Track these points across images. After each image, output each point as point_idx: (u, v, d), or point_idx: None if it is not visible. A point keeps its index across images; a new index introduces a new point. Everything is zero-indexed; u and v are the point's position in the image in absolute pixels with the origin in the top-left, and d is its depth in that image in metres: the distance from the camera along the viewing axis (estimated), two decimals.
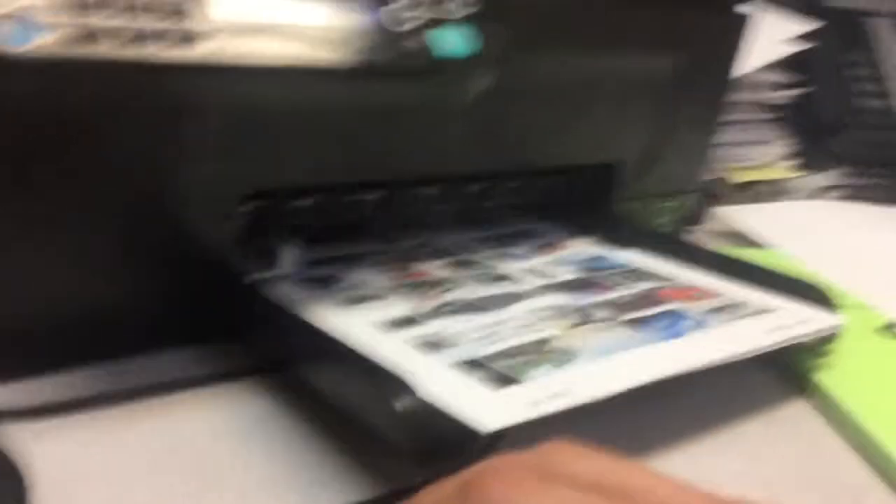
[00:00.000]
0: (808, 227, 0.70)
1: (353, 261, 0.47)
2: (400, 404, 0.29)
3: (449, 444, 0.29)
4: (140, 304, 0.38)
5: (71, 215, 0.35)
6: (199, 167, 0.37)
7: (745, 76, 0.72)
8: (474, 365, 0.34)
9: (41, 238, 0.34)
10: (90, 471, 0.31)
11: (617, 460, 0.21)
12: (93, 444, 0.32)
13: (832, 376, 0.42)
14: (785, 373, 0.44)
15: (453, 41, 0.38)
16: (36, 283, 0.35)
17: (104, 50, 0.31)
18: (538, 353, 0.36)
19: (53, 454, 0.31)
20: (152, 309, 0.38)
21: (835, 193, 0.83)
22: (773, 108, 0.81)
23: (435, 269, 0.47)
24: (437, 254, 0.49)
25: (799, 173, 0.81)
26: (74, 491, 0.29)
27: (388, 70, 0.37)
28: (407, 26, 0.37)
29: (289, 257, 0.43)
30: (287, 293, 0.40)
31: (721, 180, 0.76)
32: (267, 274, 0.42)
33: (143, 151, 0.35)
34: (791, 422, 0.40)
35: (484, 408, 0.30)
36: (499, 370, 0.34)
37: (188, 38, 0.33)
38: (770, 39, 0.77)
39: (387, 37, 0.36)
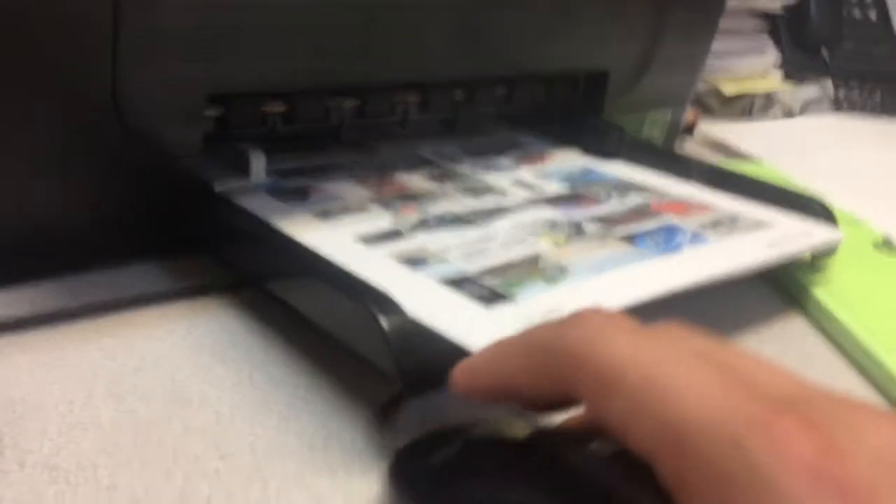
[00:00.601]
0: (798, 141, 0.68)
1: (328, 172, 0.44)
2: (387, 323, 0.27)
3: (438, 365, 0.27)
4: (103, 215, 0.35)
5: (25, 122, 0.31)
6: (162, 65, 0.33)
7: None
8: (463, 281, 0.32)
9: None
10: (49, 391, 0.28)
11: (725, 343, 0.20)
12: (52, 363, 0.30)
13: (829, 291, 0.41)
14: (780, 287, 0.43)
15: None
16: None
17: None
18: (530, 269, 0.34)
19: (9, 374, 0.29)
20: (116, 220, 0.35)
21: (826, 105, 0.81)
22: (766, 17, 0.78)
23: (416, 180, 0.44)
24: (418, 165, 0.47)
25: (790, 85, 0.79)
26: (31, 413, 0.27)
27: None
28: None
29: (260, 165, 0.40)
30: (260, 204, 0.37)
31: (713, 91, 0.73)
32: (238, 183, 0.39)
33: (101, 50, 0.32)
34: (787, 337, 0.39)
35: (475, 325, 0.28)
36: (490, 286, 0.31)
37: None
38: None
39: None
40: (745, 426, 0.17)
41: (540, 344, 0.22)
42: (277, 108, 0.40)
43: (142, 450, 0.26)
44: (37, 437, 0.26)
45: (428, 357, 0.27)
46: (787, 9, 0.81)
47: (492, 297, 0.31)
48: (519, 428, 0.24)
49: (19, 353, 0.30)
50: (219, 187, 0.37)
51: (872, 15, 0.89)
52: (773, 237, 0.39)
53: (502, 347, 0.23)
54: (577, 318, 0.21)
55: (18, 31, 0.30)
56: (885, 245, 0.47)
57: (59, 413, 0.27)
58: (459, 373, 0.24)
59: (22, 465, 0.25)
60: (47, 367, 0.30)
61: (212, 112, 0.37)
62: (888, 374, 0.35)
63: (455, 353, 0.27)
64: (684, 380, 0.18)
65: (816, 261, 0.43)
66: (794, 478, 0.16)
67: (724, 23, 0.63)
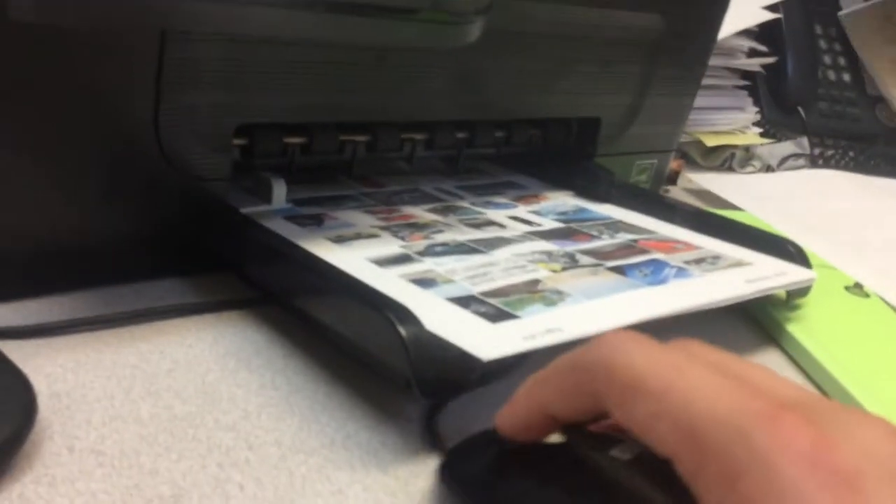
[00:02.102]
0: (776, 192, 0.72)
1: (340, 202, 0.47)
2: (406, 332, 0.29)
3: (451, 373, 0.30)
4: (139, 233, 0.38)
5: (75, 145, 0.34)
6: (199, 94, 0.36)
7: (720, 41, 0.73)
8: (470, 300, 0.35)
9: (41, 168, 0.34)
10: (91, 387, 0.31)
11: (733, 356, 0.23)
12: (92, 363, 0.32)
13: (803, 328, 0.44)
14: (757, 324, 0.46)
15: None
16: (36, 212, 0.35)
17: None
18: (530, 292, 0.37)
19: (52, 371, 0.31)
20: (150, 237, 0.38)
21: (802, 161, 0.85)
22: (745, 75, 0.83)
23: (421, 212, 0.47)
24: (423, 199, 0.50)
25: (768, 140, 0.83)
26: (76, 406, 0.30)
27: (389, 8, 0.37)
28: None
29: (281, 192, 0.43)
30: (282, 227, 0.40)
31: (696, 143, 0.77)
32: (258, 208, 0.42)
33: (146, 79, 0.35)
34: None
35: (483, 338, 0.31)
36: (494, 305, 0.34)
37: None
38: (744, 6, 0.79)
39: None
40: (751, 419, 0.19)
41: (570, 364, 0.24)
42: (297, 139, 0.43)
43: (179, 441, 0.29)
44: (83, 426, 0.29)
45: (442, 365, 0.30)
46: (766, 68, 0.85)
47: (497, 314, 0.34)
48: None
49: (62, 354, 0.33)
50: (244, 210, 0.40)
51: (846, 76, 0.94)
52: (752, 274, 0.42)
53: (535, 378, 0.26)
54: (602, 339, 0.24)
55: (71, 60, 0.33)
56: (857, 288, 0.51)
57: (102, 407, 0.30)
58: (501, 418, 0.27)
59: (71, 450, 0.27)
60: (88, 366, 0.32)
61: (239, 141, 0.40)
62: (856, 405, 0.38)
63: (466, 362, 0.30)
64: (698, 384, 0.21)
65: (791, 299, 0.46)
66: (792, 463, 0.18)
67: (706, 80, 0.68)
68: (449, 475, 0.28)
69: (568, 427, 0.26)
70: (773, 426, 0.19)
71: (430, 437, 0.31)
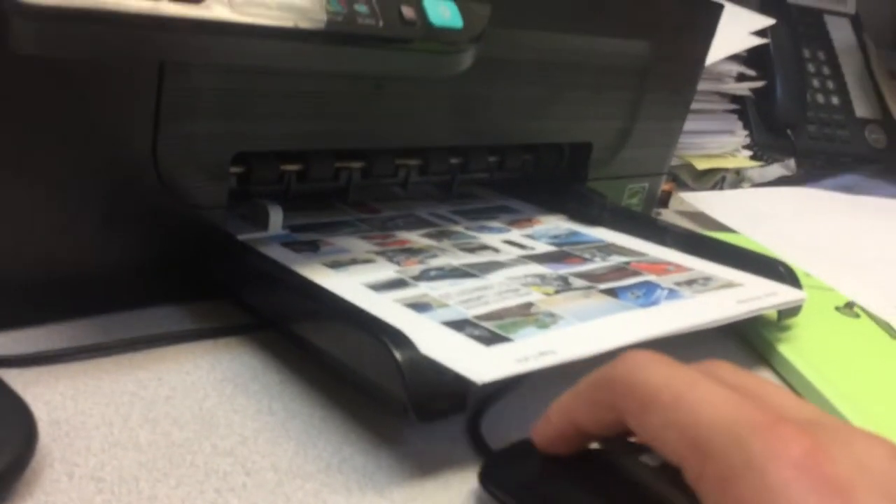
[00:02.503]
0: (767, 212, 0.73)
1: (335, 228, 0.48)
2: (401, 356, 0.30)
3: (446, 397, 0.30)
4: (136, 260, 0.38)
5: (75, 173, 0.35)
6: (196, 123, 0.37)
7: (708, 66, 0.74)
8: (464, 324, 0.35)
9: (41, 196, 0.35)
10: (90, 414, 0.31)
11: (762, 379, 0.25)
12: (91, 391, 0.33)
13: (794, 349, 0.45)
14: (749, 344, 0.47)
15: (448, 13, 0.39)
16: (36, 240, 0.35)
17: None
18: (524, 315, 0.37)
19: (52, 398, 0.32)
20: (147, 265, 0.38)
21: (792, 183, 0.86)
22: (735, 99, 0.84)
23: (416, 237, 0.48)
24: (418, 224, 0.51)
25: (758, 163, 0.84)
26: (75, 433, 0.30)
27: (383, 38, 0.38)
28: None
29: (278, 219, 0.43)
30: (278, 253, 0.41)
31: (687, 166, 0.78)
32: (255, 234, 0.43)
33: (145, 108, 0.35)
34: None
35: (477, 361, 0.32)
36: (488, 328, 0.35)
37: None
38: (732, 31, 0.80)
39: (384, 4, 0.37)
40: (749, 428, 0.21)
41: (594, 381, 0.26)
42: (293, 166, 0.44)
43: (177, 467, 0.29)
44: (82, 453, 0.29)
45: (436, 388, 0.30)
46: (755, 92, 0.87)
47: (490, 337, 0.34)
48: None
49: (62, 382, 0.33)
50: (241, 237, 0.41)
51: (834, 99, 0.96)
52: (743, 295, 0.43)
53: (566, 395, 0.28)
54: (624, 357, 0.25)
55: (71, 90, 0.34)
56: (847, 308, 0.51)
57: (101, 434, 0.30)
58: (536, 431, 0.28)
59: (70, 476, 0.28)
60: (86, 394, 0.32)
61: (236, 169, 0.41)
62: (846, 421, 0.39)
63: (459, 384, 0.30)
64: (705, 397, 0.22)
65: (782, 319, 0.46)
66: (785, 469, 0.19)
67: (696, 104, 0.69)
68: (488, 480, 0.29)
69: (603, 437, 0.28)
70: (770, 435, 0.20)
71: (472, 443, 0.32)
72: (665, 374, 0.24)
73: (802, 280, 0.46)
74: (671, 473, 0.22)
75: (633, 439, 0.27)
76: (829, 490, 0.19)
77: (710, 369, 0.25)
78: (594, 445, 0.28)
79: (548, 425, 0.28)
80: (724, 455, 0.21)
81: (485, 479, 0.29)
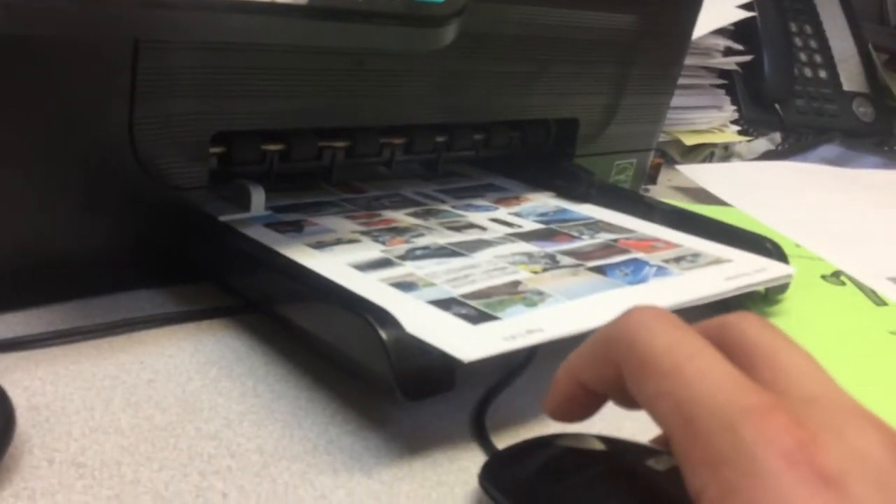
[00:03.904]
0: (756, 185, 0.73)
1: (319, 208, 0.47)
2: (386, 335, 0.29)
3: (433, 375, 0.30)
4: (116, 243, 0.37)
5: (49, 155, 0.34)
6: (173, 102, 0.36)
7: (695, 41, 0.74)
8: (450, 302, 0.35)
9: (16, 180, 0.34)
10: (70, 399, 0.31)
11: (779, 340, 0.24)
12: (71, 375, 0.32)
13: (783, 322, 0.44)
14: None
15: None
16: (12, 224, 0.35)
17: None
18: (511, 293, 0.37)
19: (31, 384, 0.31)
20: (127, 248, 0.38)
21: (776, 157, 0.86)
22: (722, 73, 0.84)
23: (402, 216, 0.47)
24: (404, 203, 0.50)
25: (746, 137, 0.84)
26: (55, 418, 0.29)
27: (364, 12, 0.37)
28: None
29: (260, 199, 0.43)
30: (260, 235, 0.40)
31: (675, 142, 0.78)
32: (237, 215, 0.42)
33: (120, 87, 0.35)
34: None
35: (464, 340, 0.31)
36: (475, 307, 0.34)
37: None
38: (719, 5, 0.80)
39: None
40: (742, 413, 0.20)
41: (598, 336, 0.25)
42: (275, 146, 0.43)
43: (160, 451, 0.29)
44: (62, 438, 0.28)
45: (423, 367, 0.30)
46: (743, 67, 0.86)
47: (478, 316, 0.34)
48: (591, 442, 0.27)
49: (41, 367, 0.32)
50: (223, 218, 0.40)
51: (822, 73, 0.95)
52: (732, 271, 0.43)
53: (571, 354, 0.27)
54: (631, 312, 0.24)
55: (44, 69, 0.33)
56: (833, 277, 0.51)
57: (82, 418, 0.30)
58: (546, 401, 0.27)
59: (51, 462, 0.27)
60: (67, 378, 0.32)
61: (216, 149, 0.40)
62: None
63: (446, 363, 0.30)
64: (704, 372, 0.21)
65: (770, 295, 0.46)
66: (774, 457, 0.19)
67: (683, 79, 0.68)
68: (487, 479, 0.28)
69: (608, 439, 0.27)
70: (762, 422, 0.20)
71: (477, 434, 0.32)
72: (669, 337, 0.23)
73: (791, 251, 0.46)
74: (678, 478, 0.22)
75: (638, 442, 0.27)
76: (821, 481, 0.18)
77: (734, 322, 0.24)
78: (599, 446, 0.27)
79: (556, 389, 0.27)
80: (714, 437, 0.20)
81: (484, 479, 0.28)
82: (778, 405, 0.20)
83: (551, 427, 0.28)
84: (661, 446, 0.26)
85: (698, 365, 0.22)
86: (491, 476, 0.28)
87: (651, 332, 0.23)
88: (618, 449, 0.27)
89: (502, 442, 0.31)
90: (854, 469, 0.19)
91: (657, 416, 0.22)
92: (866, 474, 0.19)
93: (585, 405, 0.26)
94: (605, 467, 0.26)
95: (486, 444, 0.31)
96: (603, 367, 0.25)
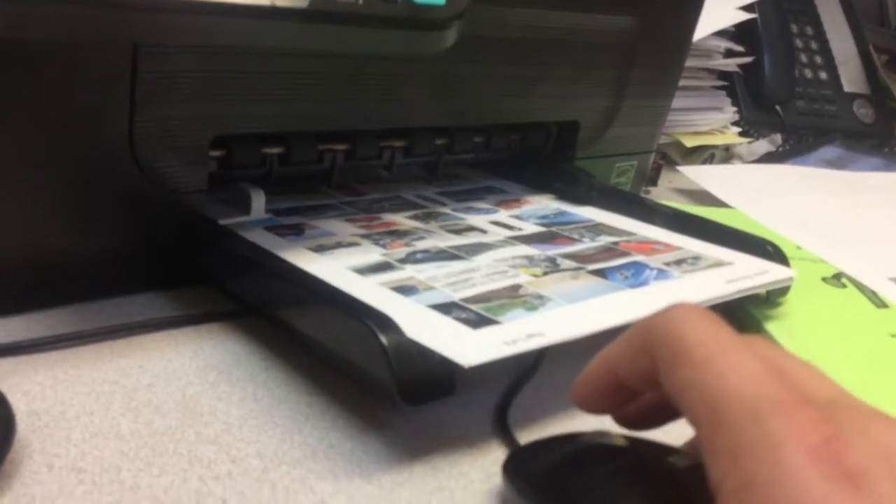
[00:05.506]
0: (757, 187, 0.73)
1: (320, 211, 0.47)
2: (387, 340, 0.29)
3: (433, 380, 0.30)
4: (116, 247, 0.37)
5: (50, 161, 0.34)
6: (173, 107, 0.36)
7: (696, 43, 0.74)
8: (451, 307, 0.35)
9: (17, 184, 0.34)
10: (70, 404, 0.30)
11: (789, 354, 0.24)
12: (71, 380, 0.32)
13: (784, 324, 0.44)
14: (736, 320, 0.46)
15: None
16: (13, 228, 0.35)
17: None
18: (511, 297, 0.37)
19: (31, 388, 0.31)
20: (127, 252, 0.38)
21: (776, 158, 0.86)
22: (723, 75, 0.83)
23: (403, 219, 0.47)
24: (404, 206, 0.50)
25: (747, 139, 0.84)
26: (55, 423, 0.29)
27: (364, 15, 0.37)
28: None
29: (260, 203, 0.43)
30: (260, 238, 0.40)
31: (675, 144, 0.78)
32: (237, 219, 0.42)
33: (120, 92, 0.35)
34: None
35: (464, 345, 0.31)
36: (475, 311, 0.34)
37: None
38: (720, 7, 0.79)
39: None
40: (769, 407, 0.20)
41: (638, 326, 0.26)
42: (275, 149, 0.43)
43: (159, 456, 0.29)
44: (62, 443, 0.28)
45: (423, 372, 0.30)
46: (743, 68, 0.86)
47: (477, 320, 0.34)
48: (614, 439, 0.28)
49: (40, 371, 0.32)
50: (223, 222, 0.40)
51: (823, 74, 0.95)
52: (732, 274, 0.43)
53: (608, 345, 0.27)
54: (670, 307, 0.25)
55: (44, 74, 0.33)
56: (834, 279, 0.51)
57: (82, 423, 0.30)
58: (575, 387, 0.28)
59: (50, 468, 0.27)
60: (66, 383, 0.32)
61: (216, 152, 0.40)
62: None
63: (446, 367, 0.30)
64: (735, 365, 0.22)
65: (772, 298, 0.46)
66: (799, 453, 0.19)
67: (684, 81, 0.68)
68: (514, 473, 0.28)
69: (631, 437, 0.27)
70: (789, 417, 0.20)
71: (500, 431, 0.32)
72: (704, 331, 0.23)
73: (792, 253, 0.46)
74: (699, 475, 0.22)
75: (660, 441, 0.27)
76: (845, 478, 0.18)
77: (742, 337, 0.24)
78: (622, 443, 0.27)
79: (587, 377, 0.27)
80: (739, 427, 0.20)
81: (508, 469, 0.29)
82: (807, 402, 0.20)
83: (571, 427, 0.29)
84: (689, 449, 0.26)
85: (731, 359, 0.22)
86: (515, 466, 0.29)
87: (688, 325, 0.23)
88: (640, 446, 0.27)
89: (523, 439, 0.31)
90: (878, 468, 0.19)
91: (685, 406, 0.22)
92: (891, 471, 0.19)
93: (614, 397, 0.27)
94: (626, 462, 0.26)
95: (508, 441, 0.32)
96: (638, 357, 0.25)
